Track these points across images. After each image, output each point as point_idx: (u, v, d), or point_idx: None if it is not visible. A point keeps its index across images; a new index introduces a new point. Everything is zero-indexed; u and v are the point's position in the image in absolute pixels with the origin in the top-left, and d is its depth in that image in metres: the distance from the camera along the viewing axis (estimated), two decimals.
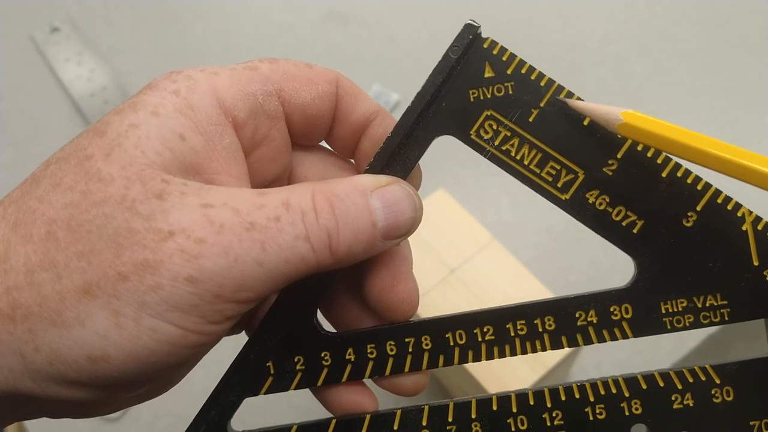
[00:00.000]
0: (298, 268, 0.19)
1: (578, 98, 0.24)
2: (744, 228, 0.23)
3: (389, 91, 0.60)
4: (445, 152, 0.58)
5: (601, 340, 0.24)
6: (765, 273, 0.23)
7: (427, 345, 0.24)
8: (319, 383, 0.24)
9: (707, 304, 0.24)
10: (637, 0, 0.65)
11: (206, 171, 0.21)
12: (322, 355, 0.24)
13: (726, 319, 0.24)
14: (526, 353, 0.24)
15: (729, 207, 0.23)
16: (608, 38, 0.63)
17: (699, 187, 0.23)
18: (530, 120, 0.23)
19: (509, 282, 0.41)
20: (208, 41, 0.64)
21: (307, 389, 0.24)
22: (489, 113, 0.24)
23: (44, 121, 0.60)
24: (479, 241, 0.43)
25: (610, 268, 0.50)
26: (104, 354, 0.18)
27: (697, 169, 0.24)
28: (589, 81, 0.60)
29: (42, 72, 0.62)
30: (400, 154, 0.23)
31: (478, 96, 0.24)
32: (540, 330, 0.24)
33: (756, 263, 0.23)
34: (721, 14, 0.64)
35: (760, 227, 0.23)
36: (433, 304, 0.41)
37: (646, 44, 0.62)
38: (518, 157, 0.24)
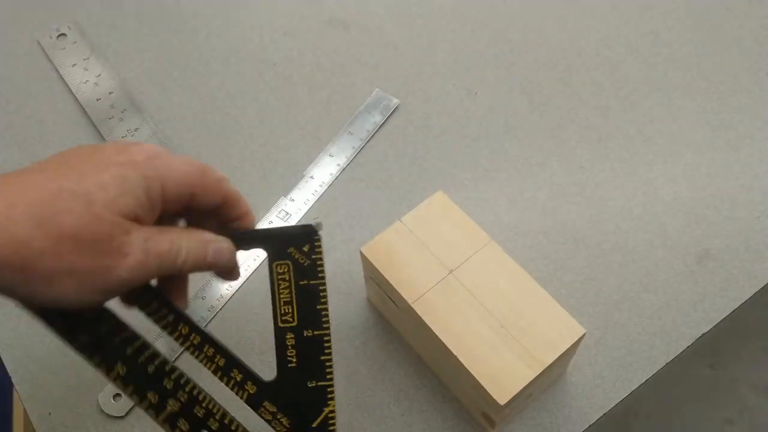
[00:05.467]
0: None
1: None
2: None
3: (389, 96, 0.61)
4: (443, 155, 0.59)
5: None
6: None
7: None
8: None
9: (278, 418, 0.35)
10: (632, 6, 0.66)
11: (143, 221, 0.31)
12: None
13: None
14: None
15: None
16: (604, 43, 0.64)
17: None
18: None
19: (507, 283, 0.42)
20: (212, 46, 0.65)
21: None
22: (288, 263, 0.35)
23: (51, 126, 0.61)
24: (477, 243, 0.44)
25: (606, 268, 0.51)
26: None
27: None
28: (585, 85, 0.61)
29: (49, 77, 0.63)
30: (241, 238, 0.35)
31: (292, 253, 0.35)
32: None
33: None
34: (714, 19, 0.65)
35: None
36: (432, 304, 0.42)
37: (641, 49, 0.63)
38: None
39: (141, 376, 0.33)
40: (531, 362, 0.40)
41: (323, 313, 0.34)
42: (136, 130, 0.59)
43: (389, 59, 0.64)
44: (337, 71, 0.63)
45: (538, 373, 0.39)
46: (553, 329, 0.41)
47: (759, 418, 0.47)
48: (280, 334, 0.34)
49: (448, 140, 0.58)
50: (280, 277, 0.34)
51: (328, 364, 0.34)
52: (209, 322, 0.50)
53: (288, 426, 0.34)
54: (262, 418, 0.34)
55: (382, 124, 0.59)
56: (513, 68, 0.63)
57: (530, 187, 0.56)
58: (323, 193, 0.56)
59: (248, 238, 0.35)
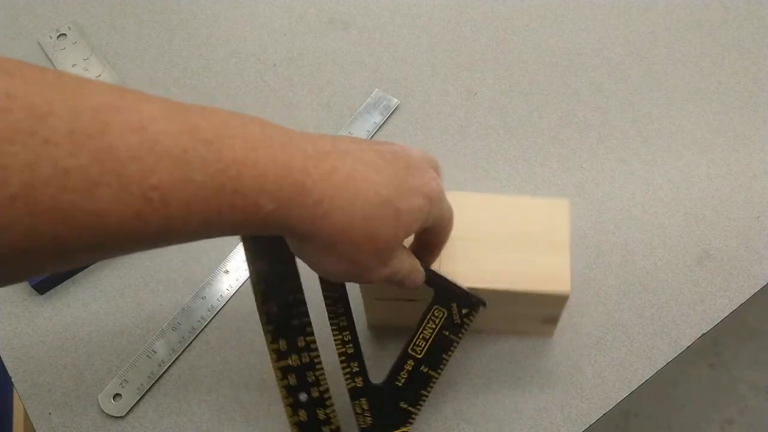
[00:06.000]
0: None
1: None
2: None
3: (389, 96, 0.61)
4: (443, 155, 0.59)
5: None
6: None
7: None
8: None
9: None
10: (632, 6, 0.66)
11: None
12: None
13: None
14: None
15: None
16: (603, 43, 0.64)
17: None
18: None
19: (485, 211, 0.44)
20: (213, 47, 0.65)
21: None
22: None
23: None
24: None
25: (606, 268, 0.51)
26: None
27: None
28: (585, 85, 0.61)
29: None
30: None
31: (453, 307, 0.41)
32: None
33: None
34: (714, 19, 0.65)
35: None
36: (449, 271, 0.42)
37: (640, 49, 0.63)
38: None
39: (284, 323, 0.38)
40: (556, 249, 0.42)
41: (445, 361, 0.40)
42: None
43: (389, 59, 0.64)
44: (337, 71, 0.63)
45: (569, 254, 0.42)
46: (546, 218, 0.44)
47: (759, 418, 0.47)
48: (404, 356, 0.40)
49: (448, 140, 0.58)
50: (433, 317, 0.40)
51: (424, 397, 0.40)
52: (209, 322, 0.50)
53: (369, 424, 0.40)
54: (354, 409, 0.39)
55: (382, 124, 0.59)
56: (513, 68, 0.63)
57: (530, 187, 0.56)
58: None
59: (433, 277, 0.40)
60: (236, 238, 0.54)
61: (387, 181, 0.32)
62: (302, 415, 0.38)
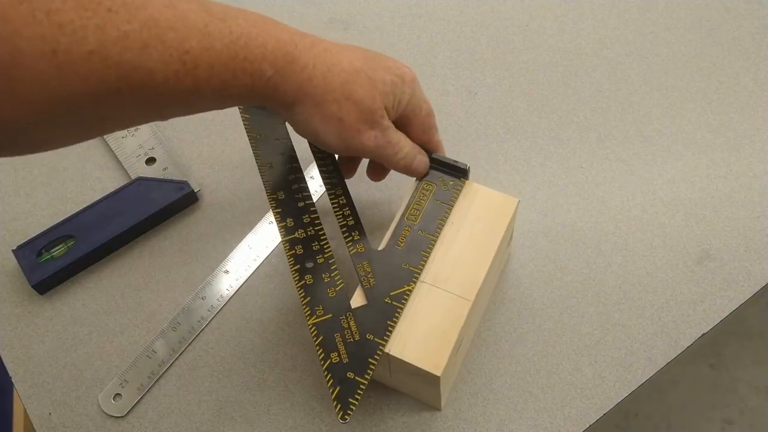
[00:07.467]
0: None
1: None
2: None
3: None
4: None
5: None
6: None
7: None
8: None
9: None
10: (631, 6, 0.66)
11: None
12: None
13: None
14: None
15: None
16: (603, 44, 0.64)
17: None
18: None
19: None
20: None
21: None
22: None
23: None
24: None
25: (606, 268, 0.51)
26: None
27: None
28: (585, 85, 0.61)
29: None
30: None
31: (441, 179, 0.47)
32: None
33: None
34: (713, 19, 0.65)
35: None
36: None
37: (640, 49, 0.63)
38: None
39: (292, 205, 0.45)
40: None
41: (439, 225, 0.44)
42: (136, 130, 0.59)
43: None
44: None
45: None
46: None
47: (759, 418, 0.47)
48: (400, 224, 0.44)
49: (448, 140, 0.58)
50: (423, 191, 0.46)
51: (425, 258, 0.43)
52: (209, 322, 0.51)
53: (371, 285, 0.42)
54: (357, 271, 0.43)
55: None
56: (513, 68, 0.63)
57: (530, 187, 0.56)
58: (323, 193, 0.56)
59: (431, 161, 0.46)
60: (235, 240, 0.54)
61: (359, 58, 0.39)
62: (308, 279, 0.42)
